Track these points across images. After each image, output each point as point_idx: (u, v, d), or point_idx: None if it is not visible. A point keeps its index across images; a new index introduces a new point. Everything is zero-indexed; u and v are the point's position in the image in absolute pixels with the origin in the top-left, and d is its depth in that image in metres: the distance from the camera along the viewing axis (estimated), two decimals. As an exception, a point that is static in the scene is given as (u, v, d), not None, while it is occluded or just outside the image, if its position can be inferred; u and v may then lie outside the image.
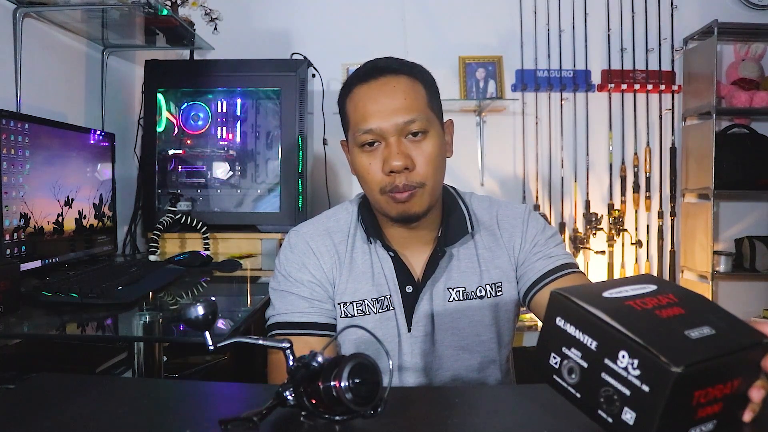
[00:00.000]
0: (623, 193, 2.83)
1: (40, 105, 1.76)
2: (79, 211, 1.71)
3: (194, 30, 2.16)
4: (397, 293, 1.00)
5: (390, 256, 1.00)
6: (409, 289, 1.00)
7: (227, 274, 1.79)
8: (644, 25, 2.79)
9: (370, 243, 1.01)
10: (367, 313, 0.99)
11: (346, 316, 0.99)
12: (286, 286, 1.00)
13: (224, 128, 2.28)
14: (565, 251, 1.04)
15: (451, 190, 1.08)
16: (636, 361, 0.49)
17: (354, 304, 0.99)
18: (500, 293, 1.02)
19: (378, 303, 0.99)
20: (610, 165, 2.84)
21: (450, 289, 1.00)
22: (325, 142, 2.55)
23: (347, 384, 0.55)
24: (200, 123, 2.26)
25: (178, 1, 2.06)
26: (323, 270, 1.00)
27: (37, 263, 1.49)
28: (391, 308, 0.99)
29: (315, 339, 0.96)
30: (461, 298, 1.00)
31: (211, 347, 0.63)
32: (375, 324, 0.99)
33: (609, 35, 2.80)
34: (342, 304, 0.99)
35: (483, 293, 1.01)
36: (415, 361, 0.99)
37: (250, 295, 1.60)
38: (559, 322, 0.55)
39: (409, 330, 0.99)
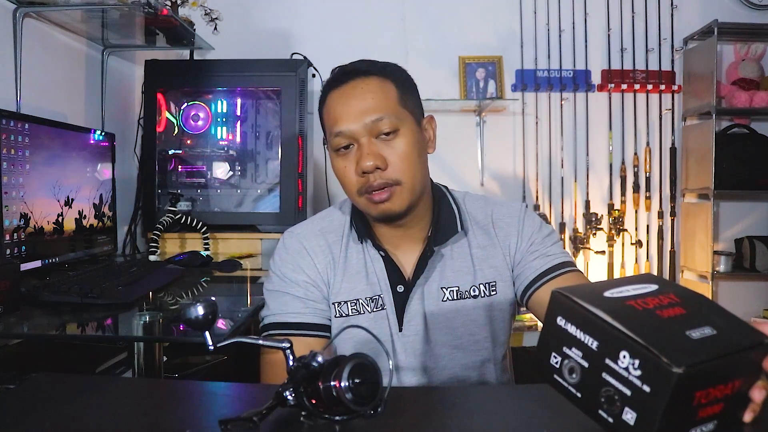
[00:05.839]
0: (623, 193, 2.83)
1: (40, 105, 1.76)
2: (79, 211, 1.71)
3: (194, 30, 2.16)
4: (388, 293, 1.00)
5: (381, 255, 1.00)
6: (400, 288, 1.00)
7: (227, 274, 1.79)
8: (644, 25, 2.79)
9: (362, 243, 1.02)
10: (362, 312, 0.99)
11: (341, 316, 0.99)
12: (280, 287, 1.00)
13: (224, 128, 2.28)
14: (563, 250, 1.04)
15: (442, 188, 1.07)
16: (637, 362, 0.49)
17: (348, 303, 0.99)
18: (494, 293, 1.01)
19: (372, 302, 0.99)
20: (610, 165, 2.84)
21: (444, 289, 1.00)
22: (325, 142, 2.54)
23: (347, 384, 0.55)
24: (200, 123, 2.26)
25: (178, 1, 2.06)
26: (318, 270, 1.00)
27: (37, 263, 1.49)
28: (384, 308, 0.99)
29: (309, 339, 0.96)
30: (455, 298, 1.00)
31: (211, 347, 0.63)
32: (369, 323, 0.99)
33: (609, 35, 2.80)
34: (336, 304, 0.99)
35: (477, 293, 1.01)
36: (410, 361, 1.00)
37: (250, 295, 1.60)
38: (560, 321, 0.55)
39: (401, 330, 0.99)
